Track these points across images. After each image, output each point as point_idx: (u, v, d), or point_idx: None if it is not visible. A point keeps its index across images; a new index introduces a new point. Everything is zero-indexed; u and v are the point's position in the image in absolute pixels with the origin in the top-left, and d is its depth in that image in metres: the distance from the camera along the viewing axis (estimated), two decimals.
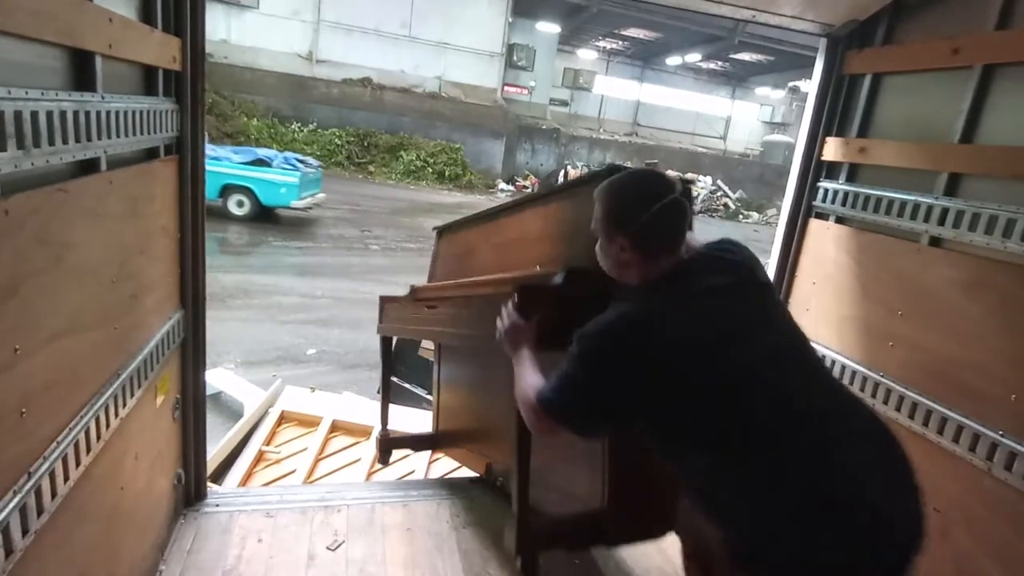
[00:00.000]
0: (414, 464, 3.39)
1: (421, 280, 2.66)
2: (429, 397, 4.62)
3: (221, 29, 17.34)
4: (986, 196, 1.79)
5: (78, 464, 1.26)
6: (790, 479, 1.04)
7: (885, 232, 2.10)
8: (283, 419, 3.74)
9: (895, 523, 1.06)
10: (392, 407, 3.01)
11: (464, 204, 17.11)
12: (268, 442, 3.53)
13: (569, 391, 1.14)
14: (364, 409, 3.86)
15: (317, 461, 3.34)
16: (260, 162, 10.40)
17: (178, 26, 1.78)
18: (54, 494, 1.16)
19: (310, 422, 3.70)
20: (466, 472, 2.70)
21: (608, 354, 1.11)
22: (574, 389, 1.14)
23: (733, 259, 1.23)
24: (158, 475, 1.89)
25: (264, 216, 10.64)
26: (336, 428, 3.67)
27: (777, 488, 1.04)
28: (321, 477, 3.25)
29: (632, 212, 1.17)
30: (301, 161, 11.05)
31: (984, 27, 1.81)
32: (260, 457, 3.39)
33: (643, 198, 1.17)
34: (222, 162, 10.08)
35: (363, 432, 3.63)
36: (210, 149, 8.89)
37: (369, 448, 3.42)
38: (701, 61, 24.62)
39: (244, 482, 3.14)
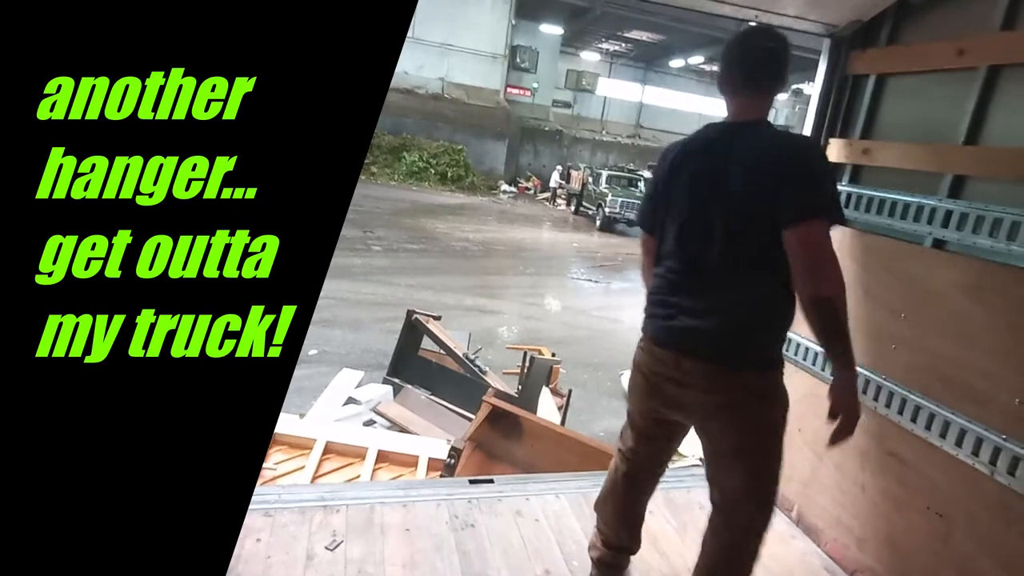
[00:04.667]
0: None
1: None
2: (430, 398, 4.62)
3: None
4: (991, 198, 1.77)
5: None
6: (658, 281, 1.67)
7: (888, 234, 2.09)
8: (273, 442, 3.67)
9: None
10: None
11: (467, 205, 17.14)
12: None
13: None
14: (358, 432, 3.83)
15: (315, 478, 3.30)
16: None
17: None
18: None
19: (302, 445, 3.64)
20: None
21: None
22: None
23: (725, 139, 1.60)
24: None
25: None
26: (329, 451, 3.60)
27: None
28: None
29: None
30: None
31: (989, 28, 1.80)
32: None
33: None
34: None
35: (356, 454, 3.58)
36: None
37: (366, 468, 3.41)
38: (704, 63, 24.61)
39: None
